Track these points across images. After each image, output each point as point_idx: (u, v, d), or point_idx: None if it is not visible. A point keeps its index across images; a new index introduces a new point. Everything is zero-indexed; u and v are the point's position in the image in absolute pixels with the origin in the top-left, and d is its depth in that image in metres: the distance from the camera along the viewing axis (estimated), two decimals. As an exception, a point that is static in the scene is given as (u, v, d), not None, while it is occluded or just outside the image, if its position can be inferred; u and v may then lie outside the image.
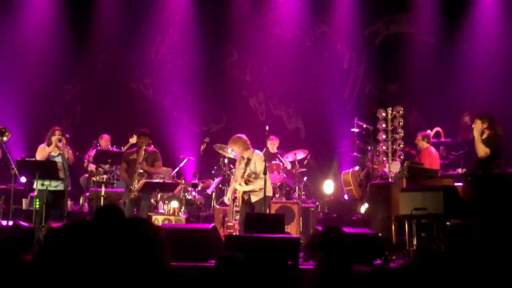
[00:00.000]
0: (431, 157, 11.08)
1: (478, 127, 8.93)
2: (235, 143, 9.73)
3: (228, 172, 11.78)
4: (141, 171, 10.42)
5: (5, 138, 10.11)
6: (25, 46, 14.32)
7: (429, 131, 12.35)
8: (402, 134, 11.62)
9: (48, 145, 10.16)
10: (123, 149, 12.20)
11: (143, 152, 10.52)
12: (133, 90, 15.24)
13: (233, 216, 10.38)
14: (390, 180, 10.79)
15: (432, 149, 11.28)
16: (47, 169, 9.73)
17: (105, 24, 14.82)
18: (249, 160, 9.67)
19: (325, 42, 15.07)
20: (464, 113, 13.58)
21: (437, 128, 12.40)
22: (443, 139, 12.35)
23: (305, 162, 12.85)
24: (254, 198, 9.66)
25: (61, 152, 10.08)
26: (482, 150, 8.71)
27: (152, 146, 11.39)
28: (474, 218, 7.99)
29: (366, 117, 13.62)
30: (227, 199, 10.12)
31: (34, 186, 9.98)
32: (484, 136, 8.89)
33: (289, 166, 12.22)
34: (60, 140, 10.07)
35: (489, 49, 14.25)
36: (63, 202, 10.19)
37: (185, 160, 12.60)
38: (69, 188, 10.38)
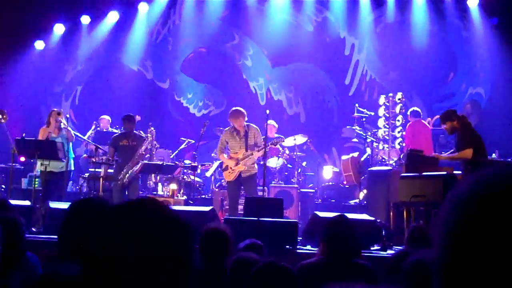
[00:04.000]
0: (412, 132, 11.11)
1: (450, 126, 9.10)
2: (241, 115, 9.75)
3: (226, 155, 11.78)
4: (137, 157, 10.41)
5: (2, 120, 10.11)
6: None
7: (429, 118, 12.37)
8: (402, 121, 11.65)
9: (48, 126, 10.17)
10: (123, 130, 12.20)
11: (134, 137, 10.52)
12: (134, 72, 15.21)
13: (228, 200, 10.39)
14: (389, 166, 10.82)
15: (416, 124, 11.28)
16: (47, 149, 9.72)
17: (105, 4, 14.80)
18: (246, 132, 9.72)
19: (327, 28, 15.01)
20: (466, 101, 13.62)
21: (437, 116, 12.41)
22: (443, 127, 12.34)
23: (304, 147, 12.85)
24: (245, 174, 9.72)
25: (62, 132, 10.08)
26: (468, 153, 8.85)
27: (152, 129, 11.40)
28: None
29: (367, 103, 13.63)
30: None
31: (37, 166, 10.01)
32: (460, 131, 9.10)
33: (287, 151, 12.23)
34: (58, 120, 10.06)
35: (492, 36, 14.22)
36: (64, 183, 10.21)
37: (185, 143, 12.60)
38: (71, 169, 10.40)
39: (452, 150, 9.72)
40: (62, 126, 10.11)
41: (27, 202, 8.61)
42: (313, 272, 4.20)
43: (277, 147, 11.54)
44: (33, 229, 8.13)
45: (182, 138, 12.75)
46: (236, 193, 9.82)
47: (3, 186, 11.70)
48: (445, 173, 8.42)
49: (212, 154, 11.79)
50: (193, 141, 12.39)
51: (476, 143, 8.92)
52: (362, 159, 11.86)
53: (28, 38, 14.46)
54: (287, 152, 12.20)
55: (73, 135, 10.41)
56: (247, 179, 9.77)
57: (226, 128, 10.09)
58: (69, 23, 14.77)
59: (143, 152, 10.39)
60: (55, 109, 10.38)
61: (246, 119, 9.81)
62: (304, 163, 12.57)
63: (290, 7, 15.01)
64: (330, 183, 12.61)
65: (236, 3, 15.09)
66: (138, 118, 11.44)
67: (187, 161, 12.12)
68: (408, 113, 11.52)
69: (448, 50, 14.46)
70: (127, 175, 10.14)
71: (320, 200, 12.17)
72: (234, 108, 10.02)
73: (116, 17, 14.89)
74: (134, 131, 10.58)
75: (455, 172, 8.89)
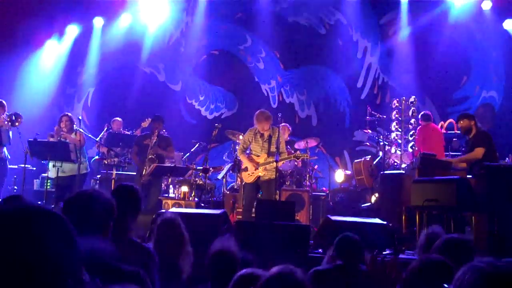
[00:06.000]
0: (423, 136, 11.02)
1: (466, 124, 9.10)
2: (265, 119, 9.55)
3: (239, 158, 11.76)
4: (153, 156, 10.45)
5: (17, 124, 10.16)
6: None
7: (442, 122, 12.31)
8: (415, 125, 11.59)
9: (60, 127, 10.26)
10: (135, 132, 12.24)
11: (155, 137, 10.57)
12: (146, 74, 15.23)
13: (243, 202, 10.36)
14: (402, 170, 10.76)
15: (427, 128, 11.17)
16: (59, 150, 9.76)
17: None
18: (270, 136, 9.63)
19: (340, 31, 14.97)
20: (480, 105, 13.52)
21: (451, 120, 12.34)
22: (456, 131, 12.27)
23: (316, 150, 12.81)
24: (264, 178, 9.64)
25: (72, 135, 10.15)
26: (479, 153, 8.81)
27: (164, 131, 11.43)
28: (486, 211, 7.95)
29: (379, 106, 13.58)
30: (250, 169, 9.88)
31: (49, 167, 10.05)
32: (473, 133, 9.09)
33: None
34: (60, 129, 10.19)
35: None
36: (76, 185, 10.24)
37: (197, 145, 12.59)
38: (85, 171, 10.42)
39: (465, 151, 9.66)
40: (75, 128, 10.17)
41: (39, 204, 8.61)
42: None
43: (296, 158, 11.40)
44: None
45: (194, 141, 12.74)
46: (252, 196, 9.70)
47: (16, 187, 11.74)
48: (458, 177, 8.36)
49: (238, 152, 11.37)
50: (205, 144, 12.38)
51: (488, 145, 8.87)
52: (375, 162, 11.81)
53: (41, 40, 14.52)
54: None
55: (84, 139, 10.44)
56: (266, 183, 9.65)
57: (251, 128, 9.91)
58: (82, 25, 14.82)
59: (151, 144, 10.49)
60: (64, 116, 10.47)
61: (270, 122, 9.63)
62: (315, 166, 12.52)
63: (303, 10, 14.98)
64: (342, 187, 12.56)
65: (248, 6, 15.08)
66: (148, 120, 11.50)
67: (198, 164, 12.12)
68: (419, 116, 11.46)
69: (462, 53, 14.36)
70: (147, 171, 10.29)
71: (331, 204, 12.11)
72: (260, 110, 9.85)
73: (128, 19, 14.91)
74: (161, 132, 10.71)
75: (468, 176, 8.83)
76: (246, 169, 9.80)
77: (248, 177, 9.75)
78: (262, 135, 9.67)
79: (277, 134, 9.61)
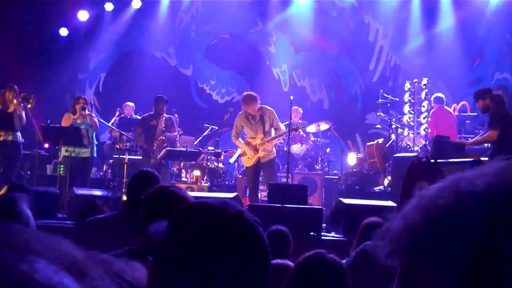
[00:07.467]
0: (436, 119, 10.93)
1: (482, 105, 8.84)
2: (253, 101, 9.44)
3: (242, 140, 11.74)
4: (164, 137, 10.46)
5: (29, 105, 10.17)
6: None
7: (455, 104, 12.23)
8: (427, 107, 11.53)
9: (73, 113, 10.22)
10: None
11: (164, 119, 10.55)
12: (157, 58, 15.22)
13: (248, 187, 10.36)
14: (414, 153, 10.71)
15: (440, 111, 11.06)
16: (72, 135, 9.78)
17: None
18: (261, 116, 9.57)
19: (351, 13, 14.86)
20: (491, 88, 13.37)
21: (464, 102, 12.27)
22: (469, 113, 12.21)
23: (328, 134, 12.78)
24: (264, 159, 9.60)
25: (86, 120, 10.13)
26: (493, 135, 8.61)
27: (176, 116, 11.42)
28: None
29: (391, 89, 13.49)
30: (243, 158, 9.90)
31: (61, 152, 10.07)
32: (489, 113, 8.82)
33: (312, 137, 12.17)
34: (84, 108, 10.11)
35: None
36: (88, 169, 10.27)
37: (209, 129, 12.60)
38: (95, 155, 10.46)
39: (482, 132, 9.56)
40: (87, 113, 10.17)
41: (52, 189, 8.66)
42: None
43: (301, 133, 11.47)
44: (59, 215, 8.19)
45: (206, 125, 12.74)
46: (255, 179, 9.71)
47: (29, 173, 11.81)
48: (471, 159, 8.29)
49: (232, 139, 11.57)
50: (217, 128, 12.37)
51: (505, 125, 8.67)
52: (387, 145, 11.76)
53: (52, 25, 14.52)
54: (312, 138, 12.14)
55: (97, 123, 10.45)
56: (266, 165, 9.62)
57: (240, 112, 9.84)
58: (93, 10, 14.81)
59: (161, 127, 10.46)
60: (81, 99, 10.41)
61: (258, 102, 9.54)
62: (328, 150, 12.50)
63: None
64: (354, 170, 12.52)
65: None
66: None
67: (210, 148, 12.13)
68: (432, 99, 11.38)
69: (475, 35, 14.21)
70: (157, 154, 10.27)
71: (344, 187, 12.08)
72: (245, 93, 9.77)
73: (139, 3, 14.88)
74: (165, 114, 10.67)
75: (482, 158, 8.77)
76: (245, 153, 9.77)
77: (248, 160, 9.72)
78: (253, 117, 9.59)
79: (268, 113, 9.57)
